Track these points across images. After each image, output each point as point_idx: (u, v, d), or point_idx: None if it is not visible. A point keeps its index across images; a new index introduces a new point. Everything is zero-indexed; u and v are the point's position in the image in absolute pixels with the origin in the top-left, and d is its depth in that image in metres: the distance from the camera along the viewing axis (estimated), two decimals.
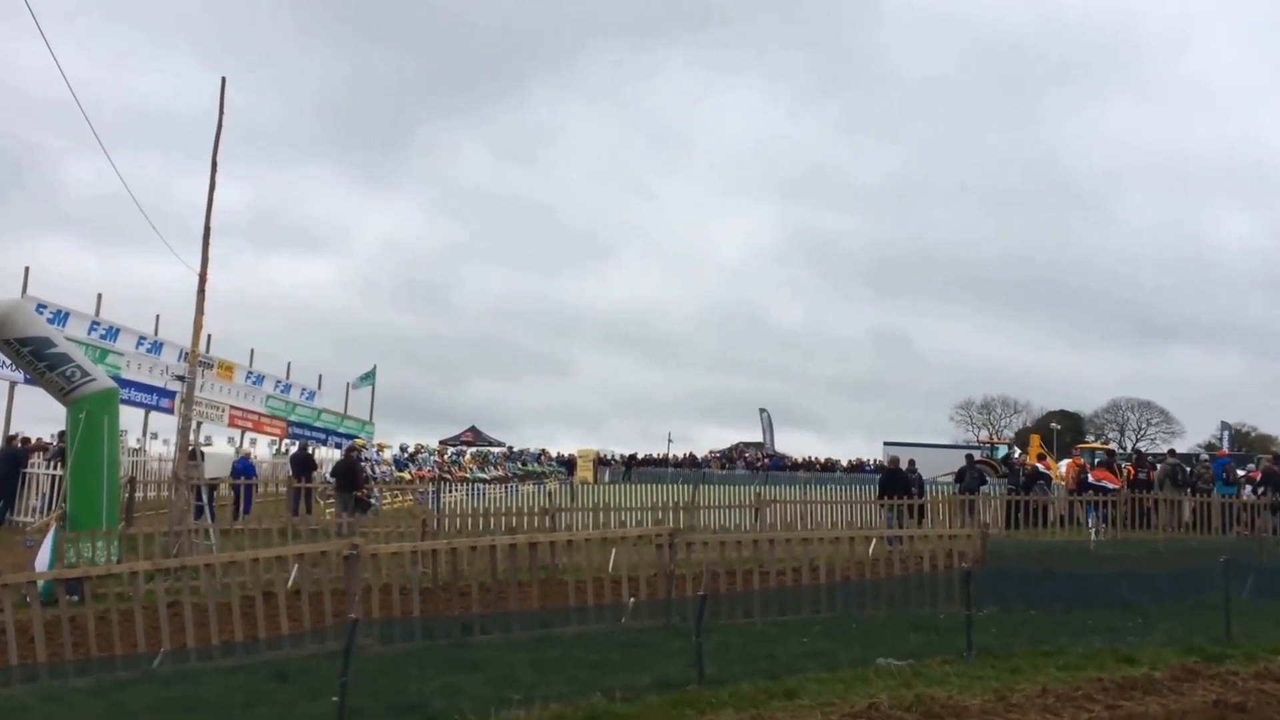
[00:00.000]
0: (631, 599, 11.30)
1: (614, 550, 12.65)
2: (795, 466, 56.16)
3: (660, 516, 18.07)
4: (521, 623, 10.58)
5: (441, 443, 51.42)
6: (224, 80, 16.07)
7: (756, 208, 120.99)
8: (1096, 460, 28.13)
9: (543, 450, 52.90)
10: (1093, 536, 18.83)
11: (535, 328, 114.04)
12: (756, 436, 66.49)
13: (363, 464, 25.25)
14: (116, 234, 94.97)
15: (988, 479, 25.38)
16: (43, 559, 12.37)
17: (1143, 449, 56.39)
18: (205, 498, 16.75)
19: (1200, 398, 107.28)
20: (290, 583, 11.40)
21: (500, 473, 41.05)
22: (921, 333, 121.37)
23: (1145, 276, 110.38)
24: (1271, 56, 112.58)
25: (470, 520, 18.13)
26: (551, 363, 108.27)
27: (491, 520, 17.63)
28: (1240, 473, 24.86)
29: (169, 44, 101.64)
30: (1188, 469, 24.01)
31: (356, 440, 33.55)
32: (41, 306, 23.08)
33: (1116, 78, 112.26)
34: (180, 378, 18.43)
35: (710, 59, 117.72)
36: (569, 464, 52.81)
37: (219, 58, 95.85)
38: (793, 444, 67.16)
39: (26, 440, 22.95)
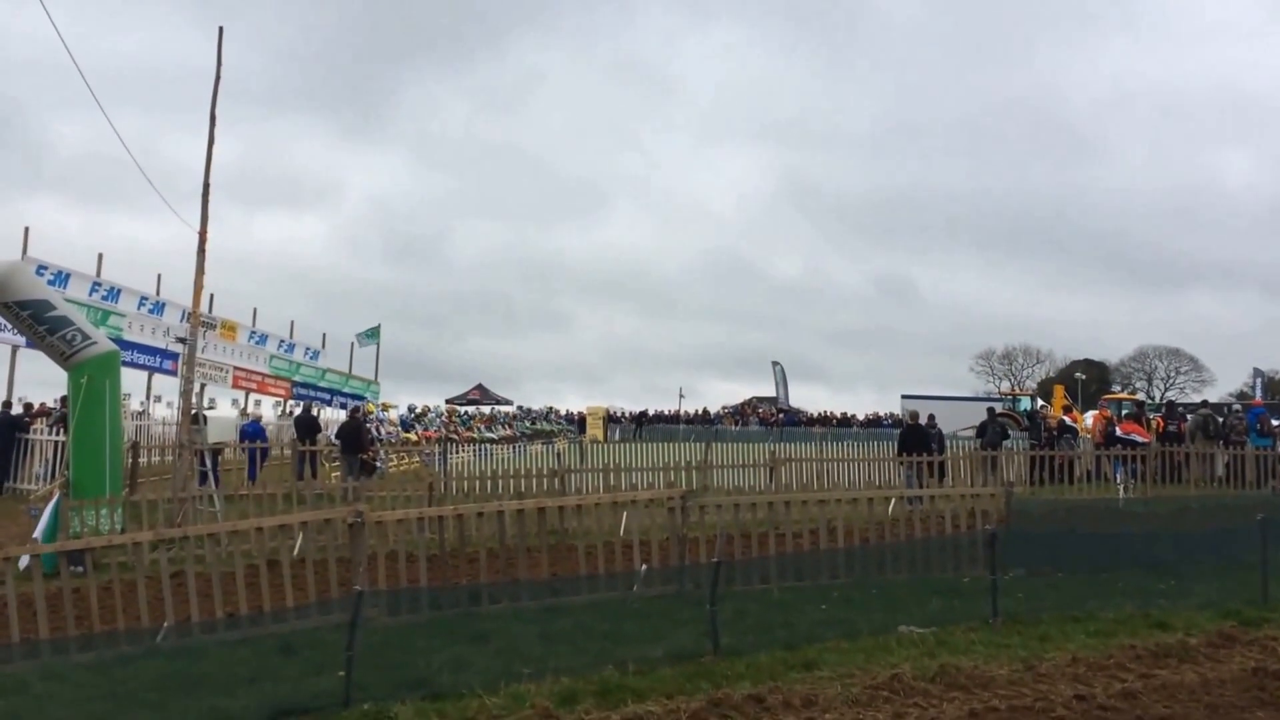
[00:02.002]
0: (644, 565, 11.03)
1: (625, 513, 12.41)
2: (810, 422, 55.75)
3: (672, 478, 17.79)
4: (531, 591, 10.34)
5: (448, 401, 51.33)
6: (220, 31, 15.52)
7: (747, 154, 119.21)
8: (1124, 412, 27.59)
9: (551, 408, 52.71)
10: (1121, 493, 18.41)
11: (531, 282, 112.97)
12: (767, 389, 66.25)
13: (368, 426, 25.04)
14: (111, 192, 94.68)
15: (1010, 433, 24.92)
16: (41, 528, 12.16)
17: (1173, 398, 55.66)
18: (209, 463, 16.54)
19: (1227, 343, 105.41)
20: (295, 550, 11.18)
21: (508, 432, 40.82)
22: (927, 280, 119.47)
23: (1154, 219, 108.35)
24: None
25: (478, 483, 17.88)
26: (551, 317, 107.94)
27: (500, 483, 17.40)
28: (1275, 423, 24.13)
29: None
30: (1220, 420, 23.34)
31: (368, 405, 33.46)
32: (42, 268, 22.83)
33: (1111, 14, 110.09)
34: (182, 340, 18.12)
35: (686, 3, 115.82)
36: (579, 422, 52.65)
37: (198, 11, 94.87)
38: (802, 397, 66.71)
39: (30, 406, 22.75)
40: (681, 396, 64.59)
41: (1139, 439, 21.14)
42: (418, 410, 37.19)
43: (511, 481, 17.32)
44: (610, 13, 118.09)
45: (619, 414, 57.56)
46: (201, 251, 15.25)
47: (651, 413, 58.53)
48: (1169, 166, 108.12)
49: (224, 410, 29.31)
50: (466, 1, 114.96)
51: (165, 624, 9.33)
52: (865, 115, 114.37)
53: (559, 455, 21.38)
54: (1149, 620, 9.14)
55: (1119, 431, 21.76)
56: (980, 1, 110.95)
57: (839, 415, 57.36)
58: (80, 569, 10.03)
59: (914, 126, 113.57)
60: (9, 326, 18.66)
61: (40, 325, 14.00)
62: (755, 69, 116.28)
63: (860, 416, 56.80)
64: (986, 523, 11.89)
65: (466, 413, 44.76)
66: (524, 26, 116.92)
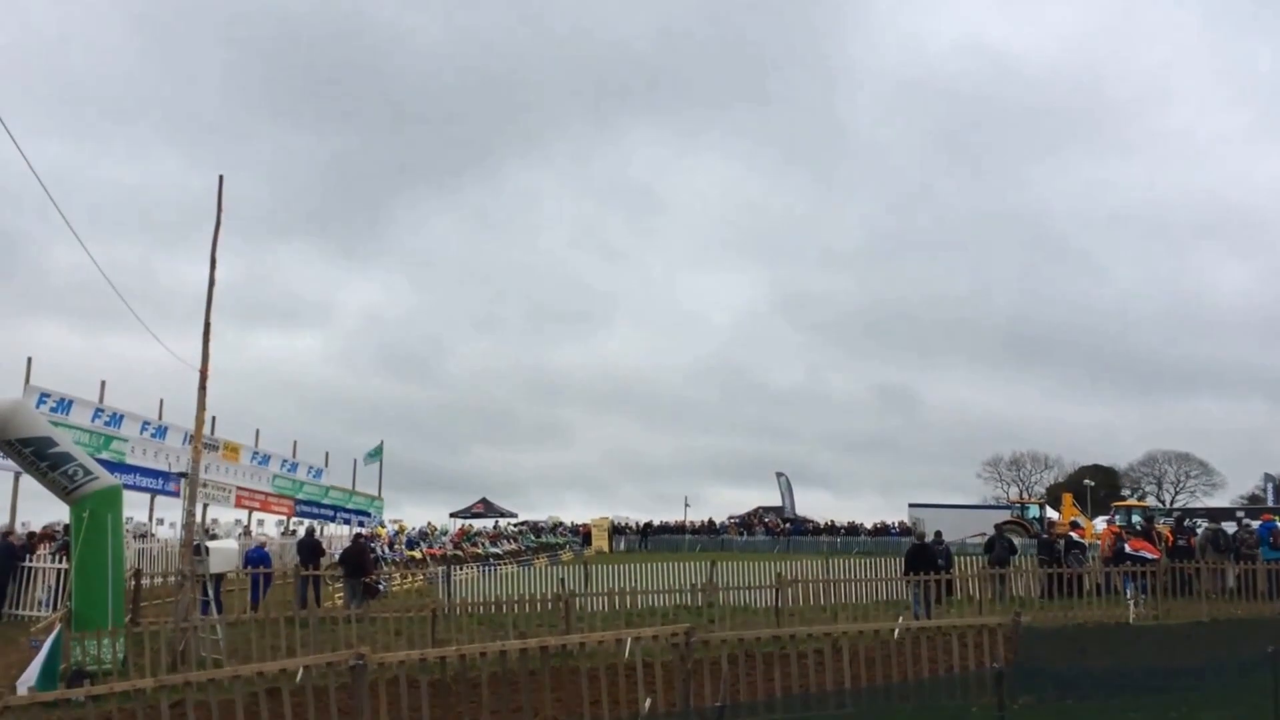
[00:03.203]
0: (648, 700, 10.87)
1: (629, 642, 12.30)
2: (818, 530, 55.12)
3: (678, 599, 17.56)
4: None
5: (453, 515, 51.17)
6: (221, 179, 15.99)
7: (743, 269, 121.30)
8: (1134, 518, 27.23)
9: (559, 523, 52.41)
10: (1131, 609, 18.11)
11: (532, 394, 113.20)
12: (770, 493, 65.80)
13: (372, 547, 24.97)
14: (112, 316, 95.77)
15: (1017, 545, 24.76)
16: (36, 667, 12.10)
17: (1184, 503, 54.95)
18: (211, 593, 16.48)
19: (1237, 447, 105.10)
20: (298, 678, 11.05)
21: (514, 546, 40.49)
22: (929, 388, 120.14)
23: (1157, 326, 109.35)
24: (1252, 102, 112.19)
25: (482, 608, 17.71)
26: (554, 428, 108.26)
27: (504, 606, 17.27)
28: None
29: (146, 128, 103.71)
30: (1230, 532, 23.22)
31: (378, 529, 33.47)
32: (45, 396, 23.07)
33: (1090, 132, 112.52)
34: (183, 475, 18.21)
35: (673, 124, 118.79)
36: (584, 534, 52.23)
37: (193, 138, 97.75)
38: (808, 504, 66.14)
39: (33, 534, 22.73)
40: (687, 505, 64.20)
41: (1149, 556, 20.85)
42: (424, 529, 37.09)
43: (516, 606, 17.17)
44: (601, 136, 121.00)
45: (624, 524, 57.11)
46: (202, 389, 15.42)
47: (657, 523, 58.05)
48: (1167, 277, 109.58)
49: (227, 526, 29.23)
50: (460, 128, 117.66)
51: None
52: (858, 230, 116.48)
53: (563, 582, 21.17)
54: None
55: (1129, 549, 21.52)
56: (971, 122, 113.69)
57: (846, 524, 56.72)
58: (81, 700, 9.99)
59: (908, 242, 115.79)
60: None
61: (42, 462, 14.18)
62: (747, 187, 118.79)
63: (868, 524, 56.18)
64: (994, 661, 11.67)
65: (472, 527, 44.60)
66: (517, 148, 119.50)
